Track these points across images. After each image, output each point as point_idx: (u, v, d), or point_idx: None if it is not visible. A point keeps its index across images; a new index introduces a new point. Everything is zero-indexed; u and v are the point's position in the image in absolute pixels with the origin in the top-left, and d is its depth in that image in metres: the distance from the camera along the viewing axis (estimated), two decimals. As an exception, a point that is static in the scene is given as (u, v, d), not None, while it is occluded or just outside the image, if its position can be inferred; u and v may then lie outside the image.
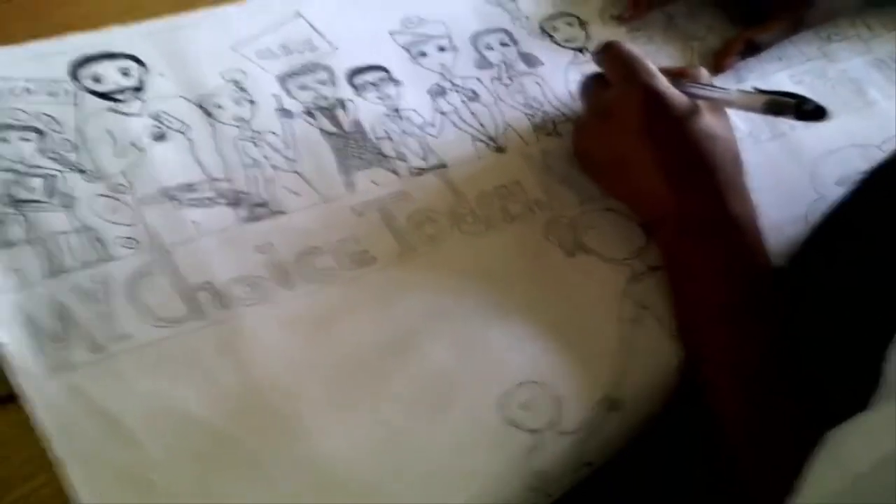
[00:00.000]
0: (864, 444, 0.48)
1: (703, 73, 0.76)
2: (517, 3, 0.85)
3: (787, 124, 0.83)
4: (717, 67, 0.86)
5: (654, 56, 0.83)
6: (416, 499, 0.58)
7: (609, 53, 0.75)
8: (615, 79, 0.74)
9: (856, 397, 0.52)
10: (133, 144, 0.67)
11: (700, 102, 0.72)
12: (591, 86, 0.77)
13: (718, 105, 0.73)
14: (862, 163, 0.77)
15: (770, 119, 0.81)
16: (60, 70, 0.68)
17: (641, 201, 0.73)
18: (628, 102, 0.71)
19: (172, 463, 0.55)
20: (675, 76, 0.74)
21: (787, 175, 0.81)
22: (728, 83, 0.85)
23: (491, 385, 0.63)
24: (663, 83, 0.71)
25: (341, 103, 0.74)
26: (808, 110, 0.68)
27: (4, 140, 0.64)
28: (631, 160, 0.71)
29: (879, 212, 0.67)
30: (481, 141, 0.75)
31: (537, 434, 0.62)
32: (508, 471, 0.61)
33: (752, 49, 0.87)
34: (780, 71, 0.88)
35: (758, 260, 0.69)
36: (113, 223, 0.63)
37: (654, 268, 0.72)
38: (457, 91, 0.77)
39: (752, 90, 0.77)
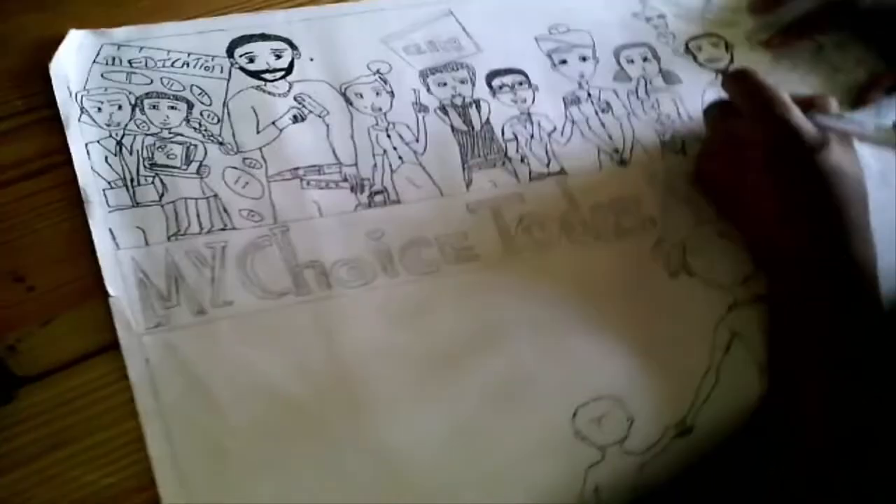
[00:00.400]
0: None
1: (833, 102, 0.73)
2: (666, 19, 0.85)
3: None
4: (860, 100, 0.84)
5: (797, 85, 0.82)
6: (475, 497, 0.61)
7: (744, 83, 0.73)
8: (747, 108, 0.72)
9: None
10: (273, 123, 0.71)
11: (830, 135, 0.69)
12: (718, 111, 0.75)
13: (849, 139, 0.71)
14: None
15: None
16: (219, 47, 0.73)
17: (758, 233, 0.72)
18: (760, 134, 0.70)
19: (249, 433, 0.59)
20: (804, 105, 0.71)
21: None
22: (867, 118, 0.82)
23: (568, 395, 0.65)
24: (798, 116, 0.69)
25: (476, 103, 0.76)
26: None
27: (154, 107, 0.69)
28: (754, 192, 0.70)
29: None
30: (606, 152, 0.76)
31: (603, 450, 0.64)
32: (568, 482, 0.62)
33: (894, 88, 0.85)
34: None
35: (870, 310, 0.66)
36: (240, 195, 0.67)
37: (758, 298, 0.72)
38: (591, 101, 0.78)
39: (890, 125, 0.73)
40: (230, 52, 0.73)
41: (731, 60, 0.85)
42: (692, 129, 0.80)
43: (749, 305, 0.72)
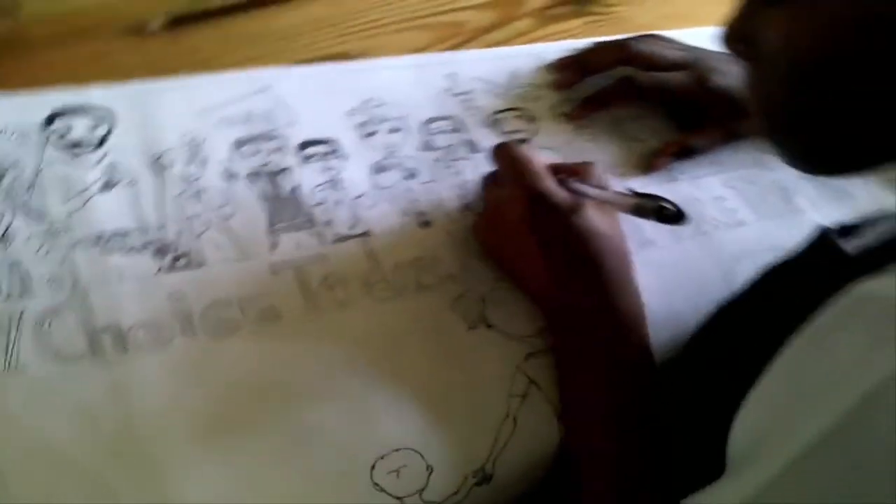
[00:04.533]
0: None
1: (595, 170, 0.71)
2: (474, 94, 0.81)
3: (710, 223, 0.78)
4: (650, 167, 0.81)
5: (596, 153, 0.79)
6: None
7: (502, 154, 0.72)
8: (505, 178, 0.71)
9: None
10: (82, 191, 0.65)
11: (587, 200, 0.68)
12: (488, 181, 0.74)
13: (605, 205, 0.70)
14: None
15: (695, 217, 0.77)
16: (37, 118, 0.67)
17: (532, 292, 0.69)
18: (515, 201, 0.68)
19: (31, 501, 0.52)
20: (570, 173, 0.70)
21: (702, 273, 0.76)
22: (659, 182, 0.80)
23: (366, 448, 0.59)
24: (546, 183, 0.68)
25: (286, 170, 0.71)
26: (669, 214, 0.65)
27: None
28: (520, 256, 0.69)
29: (754, 312, 0.62)
30: (409, 215, 0.72)
31: (401, 500, 0.58)
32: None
33: (686, 152, 0.83)
34: (713, 175, 0.83)
35: (641, 358, 0.65)
36: (42, 262, 0.60)
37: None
38: (398, 169, 0.74)
39: (627, 192, 0.71)
40: (48, 122, 0.66)
41: (536, 131, 0.81)
42: (491, 192, 0.75)
43: (545, 354, 0.67)
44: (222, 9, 0.79)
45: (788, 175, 0.84)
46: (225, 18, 0.79)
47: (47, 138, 0.66)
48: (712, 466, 0.50)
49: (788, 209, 0.82)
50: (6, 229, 0.61)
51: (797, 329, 0.47)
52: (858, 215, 0.61)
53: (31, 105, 0.68)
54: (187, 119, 0.71)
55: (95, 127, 0.68)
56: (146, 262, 0.63)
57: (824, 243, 0.60)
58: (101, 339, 0.58)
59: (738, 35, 0.58)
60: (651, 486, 0.60)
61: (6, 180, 0.63)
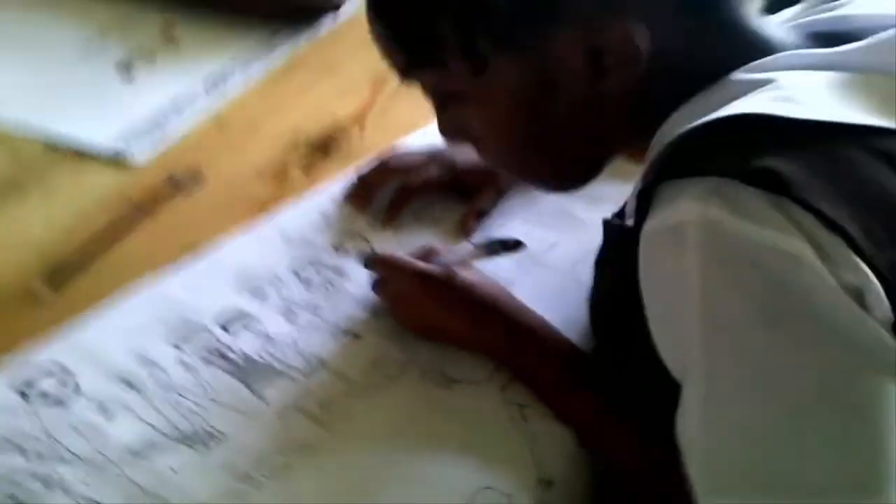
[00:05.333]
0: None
1: (443, 248, 0.89)
2: (309, 238, 0.94)
3: (537, 251, 0.94)
4: (464, 231, 0.97)
5: (419, 239, 0.94)
6: None
7: (375, 263, 0.87)
8: (390, 277, 0.86)
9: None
10: (96, 428, 0.72)
11: (454, 266, 0.84)
12: (376, 287, 0.87)
13: (467, 263, 0.86)
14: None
15: (532, 250, 0.92)
16: (12, 394, 0.74)
17: (465, 347, 0.82)
18: (410, 289, 0.84)
19: None
20: (424, 256, 0.87)
21: (561, 285, 0.90)
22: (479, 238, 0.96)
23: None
24: (422, 267, 0.84)
25: (226, 347, 0.81)
26: (511, 245, 0.87)
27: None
28: (439, 325, 0.83)
29: (612, 291, 0.78)
30: (340, 335, 0.84)
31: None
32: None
33: (481, 213, 0.99)
34: (512, 220, 0.99)
35: (570, 345, 0.81)
36: (104, 489, 0.68)
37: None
38: (303, 309, 0.86)
39: (472, 246, 0.91)
40: (23, 396, 0.74)
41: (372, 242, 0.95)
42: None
43: (514, 381, 0.80)
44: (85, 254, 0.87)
45: (558, 199, 1.03)
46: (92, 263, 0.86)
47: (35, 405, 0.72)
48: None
49: (575, 221, 1.00)
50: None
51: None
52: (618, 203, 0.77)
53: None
54: (123, 343, 0.79)
55: (63, 382, 0.74)
56: (188, 454, 0.70)
57: (612, 229, 0.76)
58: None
59: (450, 132, 0.78)
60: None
61: (28, 452, 0.69)
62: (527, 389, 0.80)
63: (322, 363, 0.80)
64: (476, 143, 0.76)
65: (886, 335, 0.55)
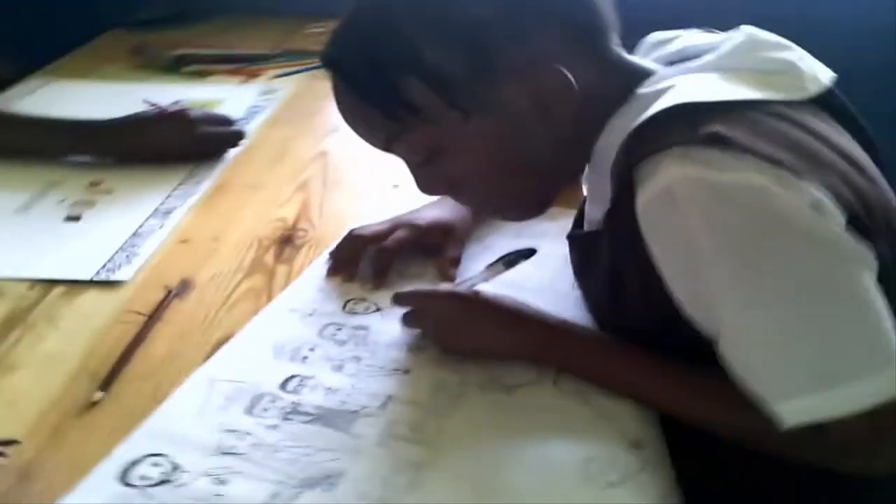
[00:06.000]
0: None
1: (453, 273, 1.05)
2: (313, 307, 1.00)
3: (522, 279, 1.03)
4: (449, 280, 1.05)
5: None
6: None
7: (404, 299, 0.95)
8: (424, 304, 0.94)
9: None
10: None
11: (475, 287, 0.97)
12: (409, 321, 0.94)
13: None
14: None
15: (510, 281, 1.03)
16: (115, 483, 0.74)
17: (506, 356, 0.89)
18: (447, 314, 0.92)
19: None
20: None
21: (562, 292, 1.00)
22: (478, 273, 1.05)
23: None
24: (452, 292, 0.96)
25: (298, 404, 0.84)
26: (524, 254, 1.05)
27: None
28: (478, 342, 0.90)
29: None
30: (391, 372, 0.89)
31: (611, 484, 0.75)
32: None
33: (455, 261, 1.08)
34: (478, 261, 1.08)
35: (595, 334, 0.91)
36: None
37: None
38: (346, 361, 0.90)
39: (486, 268, 1.04)
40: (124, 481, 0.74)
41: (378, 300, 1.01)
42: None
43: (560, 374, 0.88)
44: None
45: (509, 242, 1.12)
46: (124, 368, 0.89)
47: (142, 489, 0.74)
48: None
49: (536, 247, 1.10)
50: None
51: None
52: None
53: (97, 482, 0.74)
54: (200, 422, 0.81)
55: (157, 464, 0.76)
56: (317, 495, 0.73)
57: (581, 238, 0.94)
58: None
59: (431, 186, 0.91)
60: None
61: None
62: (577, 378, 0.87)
63: (390, 398, 0.84)
64: (455, 188, 0.89)
65: (845, 235, 0.72)
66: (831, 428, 0.71)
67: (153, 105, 1.56)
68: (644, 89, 0.83)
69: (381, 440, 0.79)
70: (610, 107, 0.84)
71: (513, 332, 0.89)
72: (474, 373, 0.88)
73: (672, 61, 0.89)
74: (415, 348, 0.92)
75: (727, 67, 0.82)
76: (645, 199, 0.75)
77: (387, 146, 0.87)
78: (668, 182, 0.73)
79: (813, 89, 0.82)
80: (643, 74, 0.85)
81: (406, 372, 0.88)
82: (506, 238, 1.13)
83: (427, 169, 0.88)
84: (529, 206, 0.94)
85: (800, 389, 0.72)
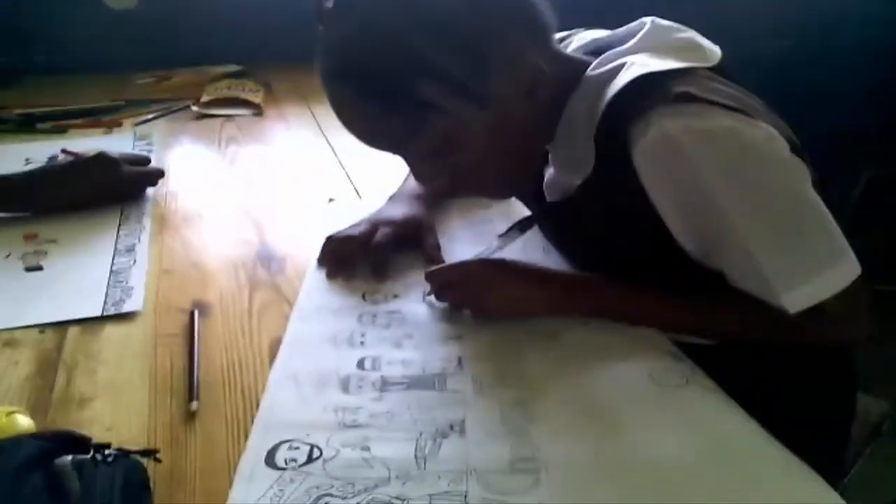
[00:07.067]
0: None
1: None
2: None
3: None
4: (437, 263, 1.11)
5: (409, 278, 1.11)
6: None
7: (437, 275, 1.04)
8: (458, 275, 1.03)
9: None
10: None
11: (494, 253, 1.07)
12: (444, 293, 1.04)
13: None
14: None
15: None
16: (263, 464, 0.79)
17: (540, 314, 1.00)
18: (482, 279, 1.02)
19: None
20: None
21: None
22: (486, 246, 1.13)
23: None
24: (480, 259, 1.08)
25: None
26: (530, 221, 1.13)
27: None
28: (516, 303, 1.01)
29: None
30: (447, 360, 0.97)
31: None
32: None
33: (437, 247, 1.18)
34: (457, 243, 1.19)
35: (602, 279, 1.02)
36: None
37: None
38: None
39: (499, 237, 1.12)
40: (270, 463, 0.79)
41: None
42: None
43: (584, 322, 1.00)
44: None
45: (480, 225, 1.24)
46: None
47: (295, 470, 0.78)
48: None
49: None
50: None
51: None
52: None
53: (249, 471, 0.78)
54: (305, 407, 0.87)
55: (294, 447, 0.81)
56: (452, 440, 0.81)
57: (558, 205, 1.05)
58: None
59: (433, 176, 1.01)
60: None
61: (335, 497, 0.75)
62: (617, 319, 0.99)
63: (461, 359, 0.94)
64: (457, 174, 0.99)
65: (795, 157, 0.91)
66: (820, 309, 0.89)
67: (71, 154, 1.58)
68: (592, 73, 0.97)
69: (478, 390, 0.88)
70: (566, 92, 0.98)
71: (545, 288, 1.01)
72: (516, 329, 0.98)
73: (589, 52, 1.03)
74: (454, 319, 1.01)
75: (653, 48, 0.97)
76: (643, 147, 0.89)
77: (403, 145, 0.96)
78: (663, 133, 0.87)
79: (714, 59, 0.98)
80: (581, 63, 0.99)
81: (459, 338, 0.98)
82: (462, 228, 1.26)
83: (433, 160, 0.97)
84: (512, 185, 1.09)
85: (797, 281, 0.89)
